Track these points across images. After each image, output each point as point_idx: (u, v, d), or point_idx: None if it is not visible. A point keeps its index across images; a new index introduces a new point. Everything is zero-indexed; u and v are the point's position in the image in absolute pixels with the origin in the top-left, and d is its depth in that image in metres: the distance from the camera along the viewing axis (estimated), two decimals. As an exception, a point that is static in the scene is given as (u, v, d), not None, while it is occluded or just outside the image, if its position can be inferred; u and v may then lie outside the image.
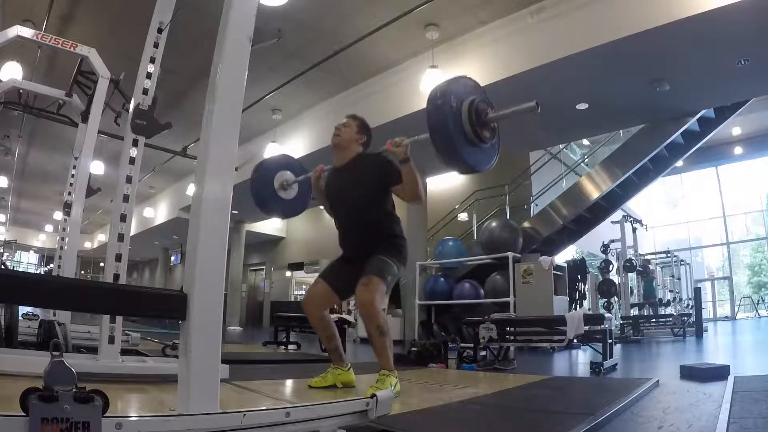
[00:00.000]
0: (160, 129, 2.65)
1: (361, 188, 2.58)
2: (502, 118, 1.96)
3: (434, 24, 5.79)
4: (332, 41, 5.84)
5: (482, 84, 2.11)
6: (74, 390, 0.98)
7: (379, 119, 6.77)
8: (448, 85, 1.95)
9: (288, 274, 16.19)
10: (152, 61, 2.65)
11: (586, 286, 7.75)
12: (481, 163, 1.99)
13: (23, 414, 0.95)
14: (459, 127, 1.88)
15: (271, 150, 8.18)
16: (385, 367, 2.44)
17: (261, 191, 2.92)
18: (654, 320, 9.04)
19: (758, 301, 15.24)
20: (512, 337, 4.45)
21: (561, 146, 10.47)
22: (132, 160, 2.64)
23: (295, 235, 16.23)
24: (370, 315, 2.40)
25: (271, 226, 15.88)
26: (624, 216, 9.65)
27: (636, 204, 12.92)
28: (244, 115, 1.57)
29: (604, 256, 9.51)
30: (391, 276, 2.50)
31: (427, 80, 5.77)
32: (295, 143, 8.44)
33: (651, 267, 10.38)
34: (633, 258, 9.51)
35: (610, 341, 4.03)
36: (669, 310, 10.17)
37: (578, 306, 7.43)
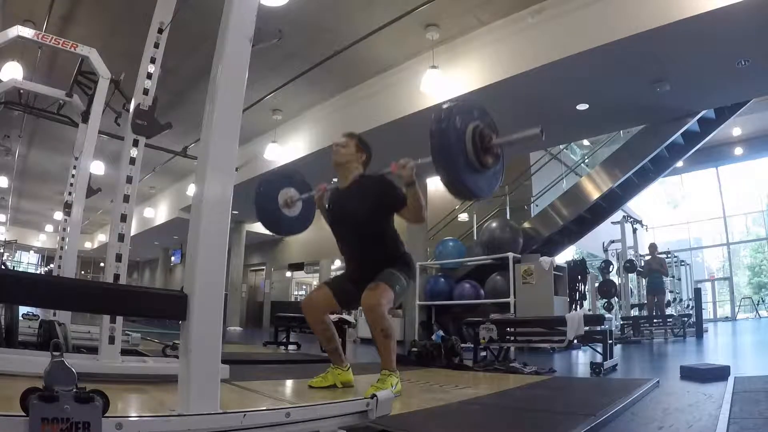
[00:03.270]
0: (160, 129, 2.66)
1: (364, 210, 2.57)
2: (506, 144, 1.94)
3: (435, 24, 5.79)
4: (332, 41, 5.84)
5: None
6: (74, 390, 0.98)
7: (380, 120, 6.78)
8: (453, 106, 1.93)
9: (288, 274, 16.18)
10: (153, 61, 2.66)
11: (586, 287, 7.75)
12: (482, 189, 1.98)
13: (23, 414, 0.95)
14: (461, 151, 1.86)
15: (271, 150, 8.20)
16: (387, 367, 2.45)
17: (266, 209, 2.92)
18: (654, 320, 9.02)
19: (758, 301, 15.21)
20: (512, 338, 4.45)
21: (561, 147, 10.45)
22: (132, 161, 2.64)
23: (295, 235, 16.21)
24: (375, 319, 2.39)
25: (271, 226, 15.84)
26: (624, 216, 9.65)
27: (636, 204, 12.91)
28: (244, 115, 1.56)
29: (604, 256, 9.50)
30: (399, 286, 2.50)
31: (428, 80, 5.77)
32: (295, 143, 8.43)
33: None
34: (633, 258, 9.52)
35: (610, 342, 4.03)
36: (669, 311, 10.16)
37: (578, 306, 7.43)
